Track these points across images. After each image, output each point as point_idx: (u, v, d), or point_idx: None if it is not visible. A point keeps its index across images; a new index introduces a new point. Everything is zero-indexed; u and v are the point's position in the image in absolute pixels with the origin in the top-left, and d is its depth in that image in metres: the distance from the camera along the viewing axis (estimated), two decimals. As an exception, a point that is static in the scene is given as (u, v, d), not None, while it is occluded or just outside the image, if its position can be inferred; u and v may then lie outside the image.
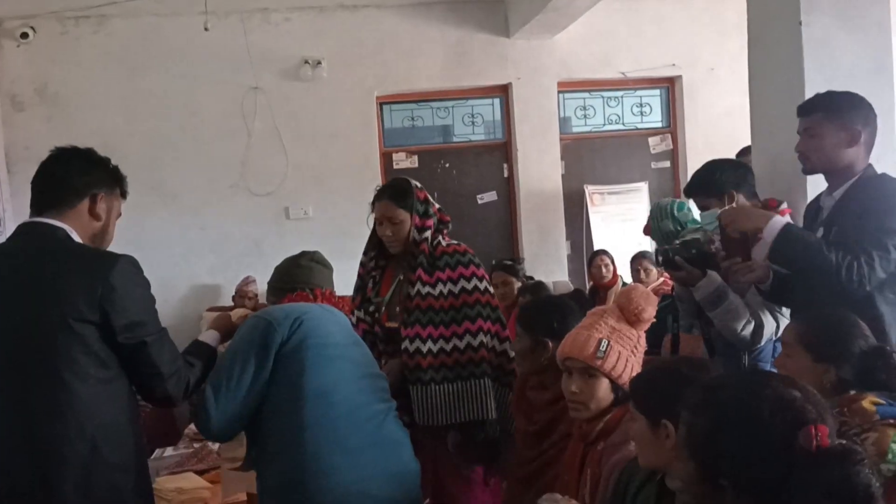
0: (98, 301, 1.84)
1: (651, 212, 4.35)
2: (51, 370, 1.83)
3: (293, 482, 2.02)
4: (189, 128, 6.15)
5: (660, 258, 2.84)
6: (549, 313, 2.28)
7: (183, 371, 2.01)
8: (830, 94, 2.47)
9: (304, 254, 2.47)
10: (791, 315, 2.55)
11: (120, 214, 2.11)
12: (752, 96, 3.22)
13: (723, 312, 2.64)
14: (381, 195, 2.73)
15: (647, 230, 4.38)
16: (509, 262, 4.58)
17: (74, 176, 1.98)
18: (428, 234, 2.65)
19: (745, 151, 3.97)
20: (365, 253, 2.82)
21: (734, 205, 2.72)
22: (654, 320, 2.04)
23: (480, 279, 2.69)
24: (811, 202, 2.62)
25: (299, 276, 2.39)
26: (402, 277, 2.70)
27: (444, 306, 2.59)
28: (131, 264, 1.94)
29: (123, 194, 2.11)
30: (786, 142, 2.81)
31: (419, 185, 2.73)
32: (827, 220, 2.42)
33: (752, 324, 2.65)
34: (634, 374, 1.92)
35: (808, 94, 2.84)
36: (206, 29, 5.31)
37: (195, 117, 6.14)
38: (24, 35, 5.85)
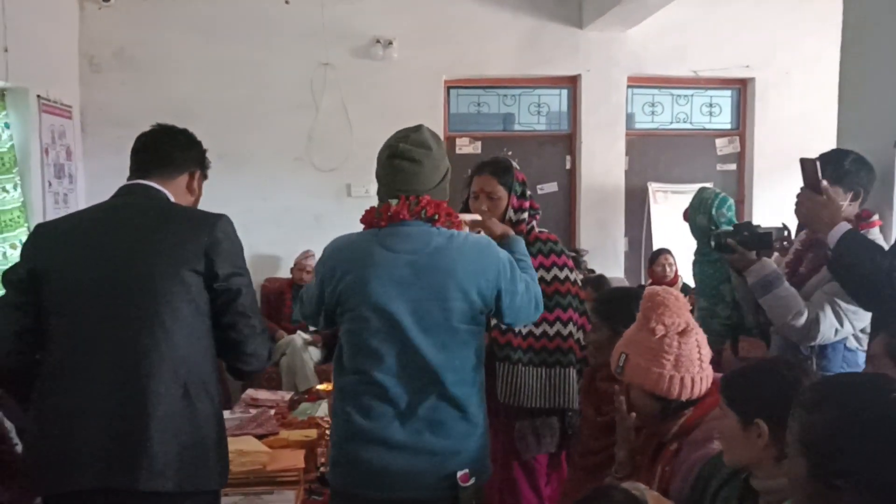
0: (204, 250, 1.94)
1: (693, 199, 4.28)
2: (154, 313, 1.90)
3: None
4: (259, 99, 6.22)
5: (713, 243, 2.78)
6: (629, 303, 2.27)
7: (266, 335, 2.07)
8: None
9: (400, 143, 2.11)
10: (871, 325, 2.49)
11: (201, 194, 2.25)
12: (840, 101, 3.14)
13: (773, 299, 2.58)
14: (481, 169, 2.66)
15: (686, 216, 4.34)
16: (572, 254, 4.53)
17: (178, 151, 2.13)
18: (525, 216, 2.61)
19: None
20: None
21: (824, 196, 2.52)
22: (675, 323, 1.98)
23: (571, 270, 2.67)
24: None
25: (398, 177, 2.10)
26: None
27: None
28: (230, 223, 2.04)
29: (206, 175, 2.25)
30: (874, 148, 2.75)
31: (518, 166, 2.67)
32: None
33: (805, 316, 2.57)
34: (670, 381, 1.90)
35: (904, 102, 2.77)
36: (286, 2, 5.35)
37: (266, 89, 6.20)
38: (107, -2, 5.97)
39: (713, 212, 4.22)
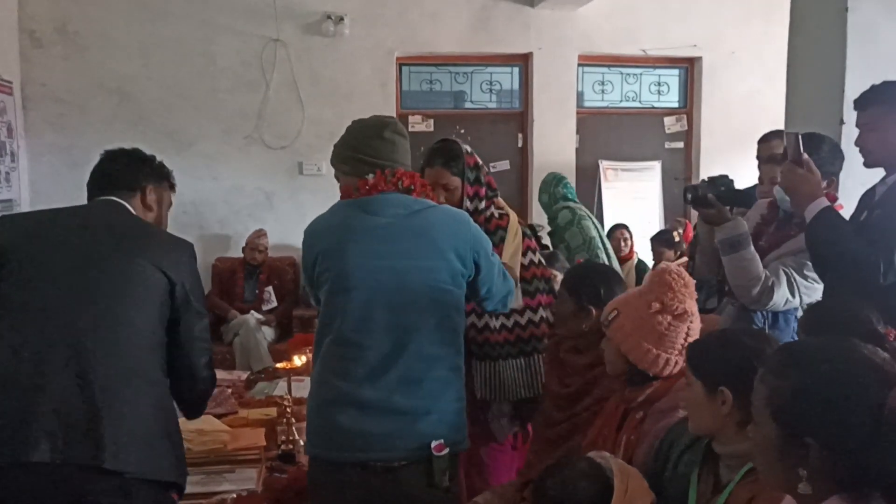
0: (174, 267, 1.96)
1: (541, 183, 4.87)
2: (110, 299, 1.88)
3: None
4: (207, 76, 6.11)
5: (688, 195, 2.78)
6: (596, 280, 2.30)
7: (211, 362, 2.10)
8: (887, 86, 2.44)
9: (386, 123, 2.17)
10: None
11: (171, 204, 2.23)
12: (788, 82, 3.24)
13: (738, 259, 2.63)
14: (432, 160, 2.55)
15: None
16: (526, 230, 4.59)
17: (123, 172, 2.12)
18: (482, 203, 2.55)
19: (767, 137, 3.97)
20: None
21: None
22: (676, 304, 1.98)
23: (534, 252, 2.65)
24: (869, 190, 2.60)
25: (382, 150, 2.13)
26: None
27: None
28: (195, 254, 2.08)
29: (172, 187, 2.23)
30: (822, 126, 2.84)
31: (469, 148, 2.59)
32: (874, 205, 2.44)
33: (762, 282, 2.63)
34: (646, 353, 1.94)
35: (850, 81, 2.87)
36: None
37: (215, 66, 6.09)
38: (47, -29, 5.78)
39: (552, 189, 4.92)
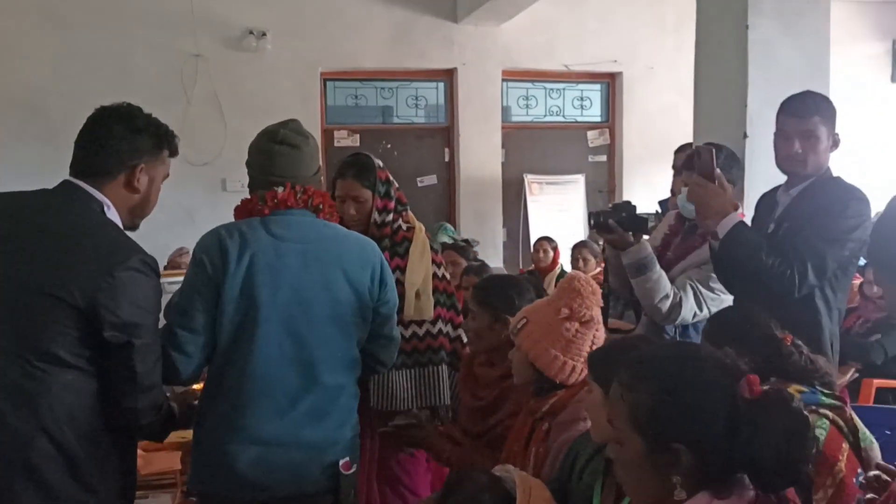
0: (92, 291, 1.72)
1: None
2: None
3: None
4: (123, 89, 5.80)
5: (591, 221, 2.86)
6: (507, 289, 2.32)
7: (160, 394, 1.85)
8: (821, 97, 2.48)
9: (280, 129, 2.08)
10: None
11: (167, 175, 1.97)
12: (696, 96, 3.34)
13: (644, 281, 2.69)
14: (344, 172, 2.55)
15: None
16: (462, 244, 4.63)
17: (116, 144, 1.85)
18: (390, 216, 2.55)
19: (683, 148, 4.09)
20: None
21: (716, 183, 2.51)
22: (584, 313, 2.02)
23: (438, 266, 2.67)
24: (765, 194, 2.67)
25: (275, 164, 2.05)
26: None
27: (402, 292, 2.49)
28: (144, 264, 1.80)
29: (173, 152, 1.97)
30: (727, 139, 2.93)
31: (381, 163, 2.60)
32: (780, 217, 2.48)
33: (671, 300, 2.71)
34: (553, 359, 1.96)
35: (751, 96, 2.97)
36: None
37: (131, 79, 5.94)
38: (-49, -18, 5.58)
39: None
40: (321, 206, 2.06)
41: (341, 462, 1.99)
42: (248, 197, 2.06)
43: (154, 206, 1.99)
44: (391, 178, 2.60)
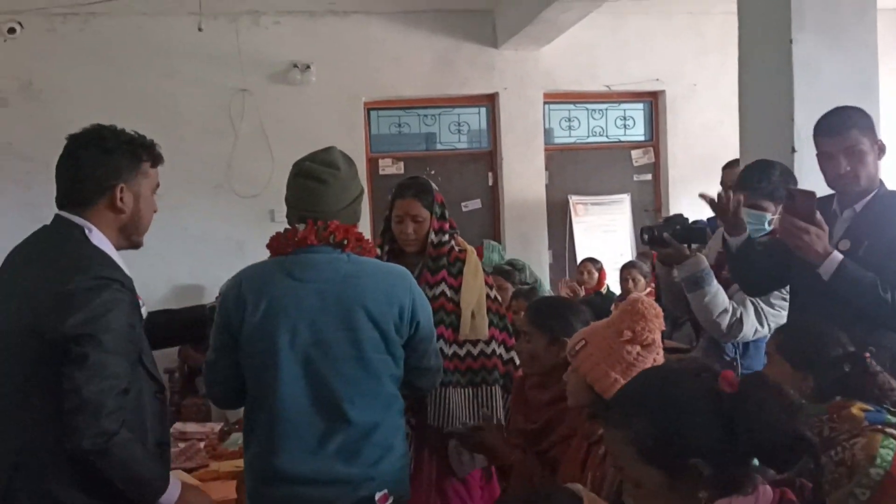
0: (39, 311, 1.74)
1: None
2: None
3: None
4: (174, 127, 6.09)
5: (645, 237, 2.82)
6: (563, 311, 2.32)
7: (112, 422, 1.69)
8: (853, 109, 2.40)
9: (306, 162, 2.09)
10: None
11: (157, 185, 1.96)
12: (741, 112, 3.31)
13: (702, 295, 2.64)
14: (403, 191, 2.60)
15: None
16: (507, 267, 4.64)
17: (89, 170, 1.84)
18: (446, 237, 2.59)
19: (730, 165, 4.06)
20: (380, 247, 2.67)
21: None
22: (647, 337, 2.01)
23: (490, 287, 2.68)
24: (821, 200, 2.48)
25: (305, 198, 2.05)
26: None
27: (457, 311, 2.56)
28: (95, 279, 1.76)
29: (155, 162, 1.94)
30: (775, 155, 2.90)
31: (436, 187, 2.66)
32: (850, 234, 2.37)
33: (730, 315, 2.65)
34: (613, 383, 1.91)
35: (798, 111, 2.94)
36: (199, 29, 5.32)
37: (181, 117, 6.11)
38: (11, 30, 5.81)
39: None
40: (345, 241, 2.02)
41: (378, 496, 1.97)
42: (279, 232, 2.07)
43: (149, 219, 1.97)
44: (445, 203, 2.65)
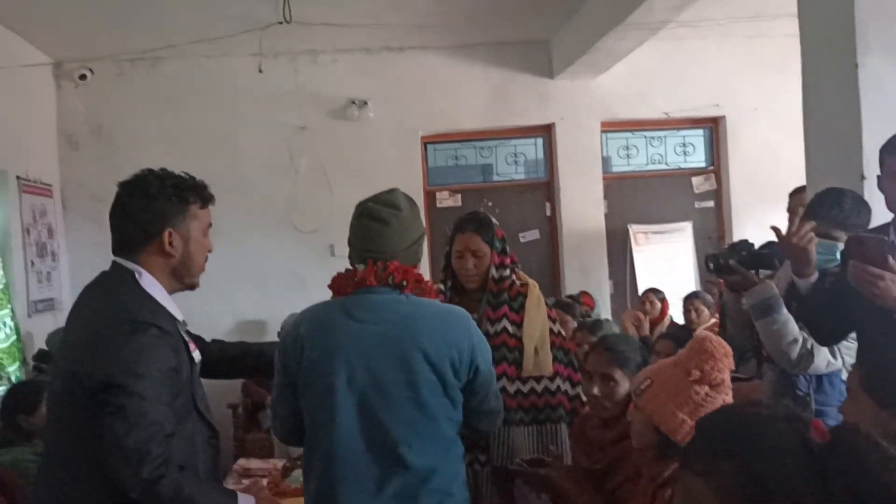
0: (78, 357, 1.77)
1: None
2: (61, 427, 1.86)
3: None
4: (237, 165, 6.27)
5: (710, 264, 2.74)
6: (639, 349, 2.29)
7: (160, 463, 1.70)
8: None
9: (369, 202, 2.08)
10: (857, 357, 2.51)
11: (209, 224, 1.98)
12: (806, 139, 3.22)
13: (771, 323, 2.54)
14: (463, 226, 2.58)
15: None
16: (568, 301, 4.57)
17: (136, 216, 1.87)
18: (507, 272, 2.56)
19: (798, 191, 3.95)
20: (442, 282, 2.67)
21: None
22: (716, 378, 1.95)
23: (554, 322, 2.64)
24: (875, 230, 2.44)
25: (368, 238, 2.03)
26: (475, 317, 2.62)
27: (520, 347, 2.52)
28: (132, 323, 1.76)
29: (205, 202, 1.95)
30: (843, 182, 2.80)
31: (497, 222, 2.63)
32: None
33: (800, 345, 2.55)
34: (681, 424, 1.87)
35: (866, 137, 2.85)
36: (260, 71, 5.45)
37: (244, 155, 6.26)
38: (83, 77, 6.05)
39: None
40: (405, 283, 2.00)
41: None
42: (342, 271, 2.08)
43: (202, 260, 1.97)
44: (506, 238, 2.62)
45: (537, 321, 2.56)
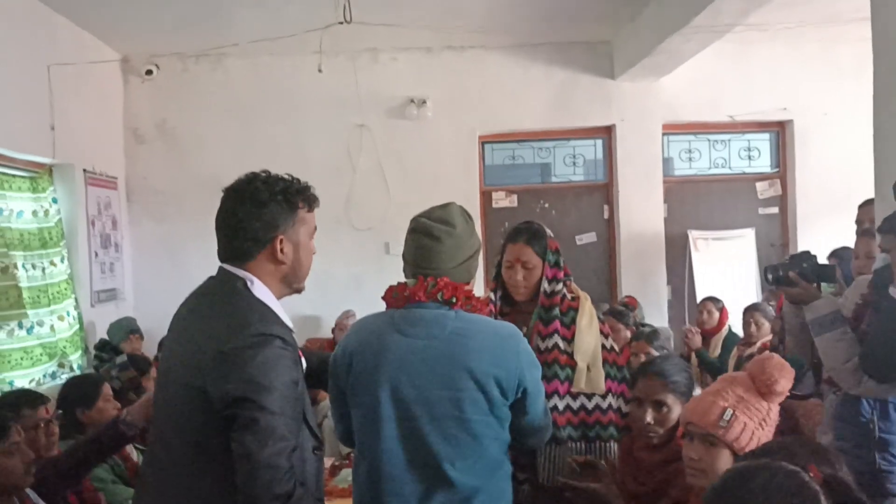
0: (206, 370, 1.74)
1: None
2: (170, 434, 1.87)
3: None
4: (297, 165, 6.10)
5: (769, 276, 2.67)
6: (685, 368, 2.23)
7: (284, 483, 1.68)
8: None
9: (423, 218, 2.08)
10: None
11: (315, 228, 1.97)
12: (876, 149, 3.09)
13: (832, 339, 2.46)
14: (515, 236, 2.53)
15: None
16: (620, 309, 4.47)
17: (246, 225, 1.84)
18: (560, 286, 2.50)
19: (868, 203, 3.79)
20: (492, 290, 2.63)
21: None
22: (787, 393, 1.92)
23: (606, 337, 2.56)
24: None
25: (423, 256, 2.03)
26: (524, 330, 2.47)
27: (572, 363, 2.46)
28: (257, 337, 1.73)
29: (311, 206, 1.95)
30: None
31: (552, 233, 2.58)
32: None
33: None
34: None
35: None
36: (319, 71, 5.48)
37: (304, 155, 6.31)
38: (149, 72, 6.18)
39: None
40: (454, 299, 1.98)
41: None
42: (392, 285, 2.07)
43: (309, 265, 1.96)
44: (559, 248, 2.56)
45: (589, 337, 2.49)
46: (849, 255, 5.18)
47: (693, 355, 5.12)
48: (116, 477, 3.11)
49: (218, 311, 1.80)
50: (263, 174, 1.91)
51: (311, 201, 1.95)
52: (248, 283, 1.84)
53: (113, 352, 4.90)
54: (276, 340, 1.74)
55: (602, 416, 2.47)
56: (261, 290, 1.85)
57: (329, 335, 6.21)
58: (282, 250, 1.86)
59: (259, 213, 1.83)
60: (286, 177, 1.92)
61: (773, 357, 1.96)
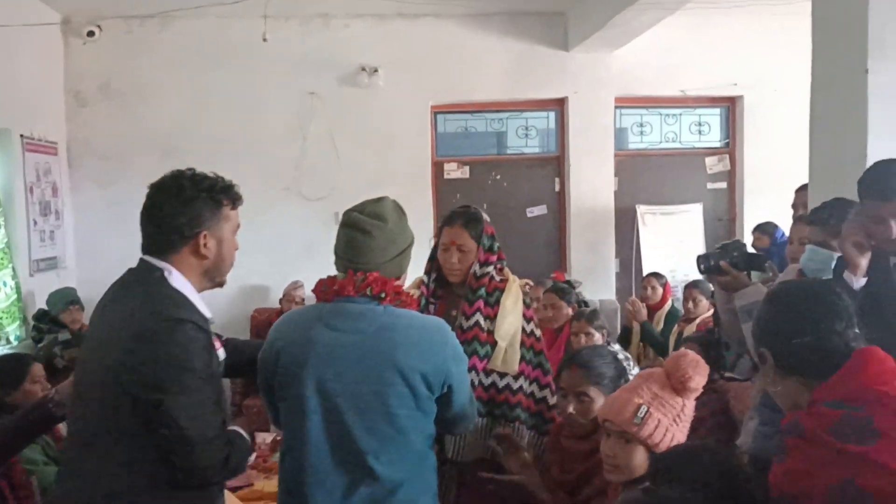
0: (118, 358, 1.79)
1: None
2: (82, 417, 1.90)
3: None
4: (246, 129, 6.22)
5: (701, 266, 2.71)
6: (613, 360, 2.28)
7: (219, 448, 1.82)
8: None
9: (355, 213, 2.08)
10: None
11: (238, 226, 1.99)
12: (812, 144, 3.15)
13: None
14: (452, 220, 2.58)
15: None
16: (563, 285, 4.48)
17: (171, 220, 1.89)
18: (490, 269, 2.55)
19: (804, 188, 3.85)
20: (426, 273, 2.67)
21: None
22: (700, 389, 1.96)
23: (528, 321, 2.60)
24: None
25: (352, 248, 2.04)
26: (455, 312, 2.58)
27: (492, 341, 2.51)
28: (167, 322, 1.80)
29: (235, 203, 1.98)
30: (846, 192, 2.72)
31: (488, 218, 2.62)
32: None
33: None
34: (675, 443, 1.87)
35: (871, 144, 2.76)
36: (264, 40, 5.36)
37: (252, 119, 6.21)
38: (91, 33, 5.99)
39: None
40: (383, 294, 2.00)
41: None
42: (322, 279, 2.07)
43: (232, 260, 2.00)
44: (495, 234, 2.60)
45: (512, 318, 2.55)
46: (772, 229, 5.31)
47: (637, 326, 5.19)
48: (49, 458, 3.07)
49: (133, 298, 1.87)
50: (189, 172, 1.96)
51: (235, 199, 1.98)
52: (166, 273, 1.89)
53: (52, 323, 4.82)
54: (187, 324, 1.81)
55: (511, 397, 2.51)
56: (178, 281, 1.90)
57: (276, 305, 6.17)
58: (205, 245, 1.91)
59: (184, 210, 1.90)
60: (212, 175, 1.96)
61: (687, 354, 1.99)
